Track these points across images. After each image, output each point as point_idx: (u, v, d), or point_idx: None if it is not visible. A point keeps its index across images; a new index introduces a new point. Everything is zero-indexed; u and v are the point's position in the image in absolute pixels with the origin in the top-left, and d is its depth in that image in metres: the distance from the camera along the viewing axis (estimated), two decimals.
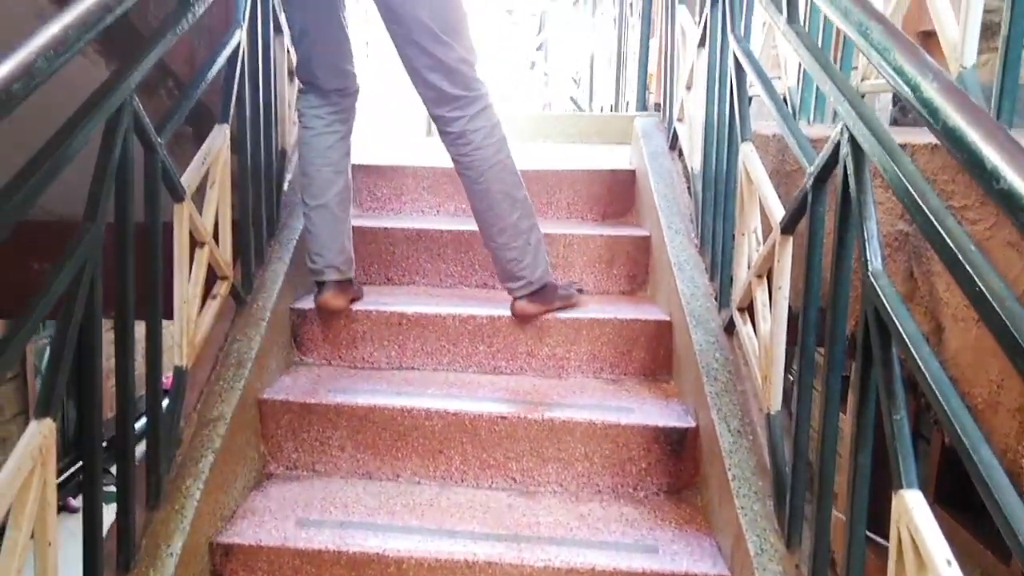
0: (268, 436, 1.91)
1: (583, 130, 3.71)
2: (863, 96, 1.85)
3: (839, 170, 1.21)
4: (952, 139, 0.84)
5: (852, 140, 1.16)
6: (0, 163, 1.25)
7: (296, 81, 2.20)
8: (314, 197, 2.08)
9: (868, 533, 1.17)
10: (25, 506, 1.07)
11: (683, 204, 2.34)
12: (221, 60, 1.82)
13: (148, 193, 1.49)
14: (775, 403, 1.53)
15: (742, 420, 1.67)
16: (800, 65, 2.18)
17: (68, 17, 1.13)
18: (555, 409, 1.88)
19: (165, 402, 1.60)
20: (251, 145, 2.02)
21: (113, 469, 1.40)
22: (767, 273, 1.61)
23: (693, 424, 1.82)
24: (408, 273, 2.42)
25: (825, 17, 2.00)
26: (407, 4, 1.89)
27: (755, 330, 1.66)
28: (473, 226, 2.14)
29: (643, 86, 4.37)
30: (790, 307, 1.50)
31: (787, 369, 1.55)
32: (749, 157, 1.75)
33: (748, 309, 1.73)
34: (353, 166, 2.20)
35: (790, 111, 2.11)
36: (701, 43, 2.21)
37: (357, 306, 2.14)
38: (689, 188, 2.35)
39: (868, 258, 1.11)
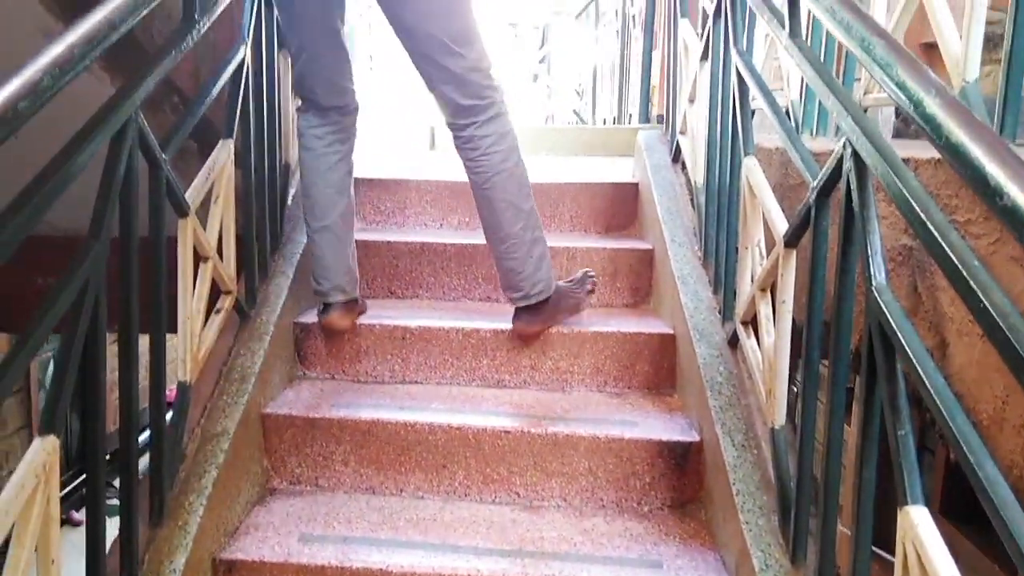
0: (271, 451, 1.91)
1: (586, 143, 3.72)
2: (866, 110, 1.85)
3: (842, 184, 1.21)
4: (955, 155, 0.84)
5: (855, 155, 1.16)
6: (6, 179, 1.25)
7: (296, 93, 2.21)
8: (317, 218, 2.07)
9: (874, 548, 1.16)
10: (28, 523, 1.07)
11: (686, 217, 2.34)
12: (225, 76, 1.82)
13: (152, 208, 1.49)
14: (779, 417, 1.52)
15: (746, 434, 1.66)
16: (802, 79, 2.18)
17: (73, 36, 1.13)
18: (559, 423, 1.87)
19: (169, 414, 1.60)
20: (255, 160, 2.03)
21: (116, 482, 1.40)
22: (771, 287, 1.61)
23: (697, 438, 1.81)
24: (411, 287, 2.43)
25: (827, 30, 2.00)
26: (419, 18, 1.89)
27: (759, 344, 1.66)
28: (477, 239, 2.14)
29: (646, 99, 4.39)
30: (794, 321, 1.50)
31: (791, 382, 1.55)
32: (752, 171, 1.75)
33: (752, 322, 1.73)
34: (356, 179, 2.20)
35: (793, 125, 2.11)
36: (704, 56, 2.22)
37: (361, 320, 2.14)
38: (692, 201, 2.36)
39: (872, 272, 1.11)
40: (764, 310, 1.63)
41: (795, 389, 1.55)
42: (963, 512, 2.76)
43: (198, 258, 1.72)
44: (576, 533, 1.71)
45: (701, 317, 1.98)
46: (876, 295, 1.08)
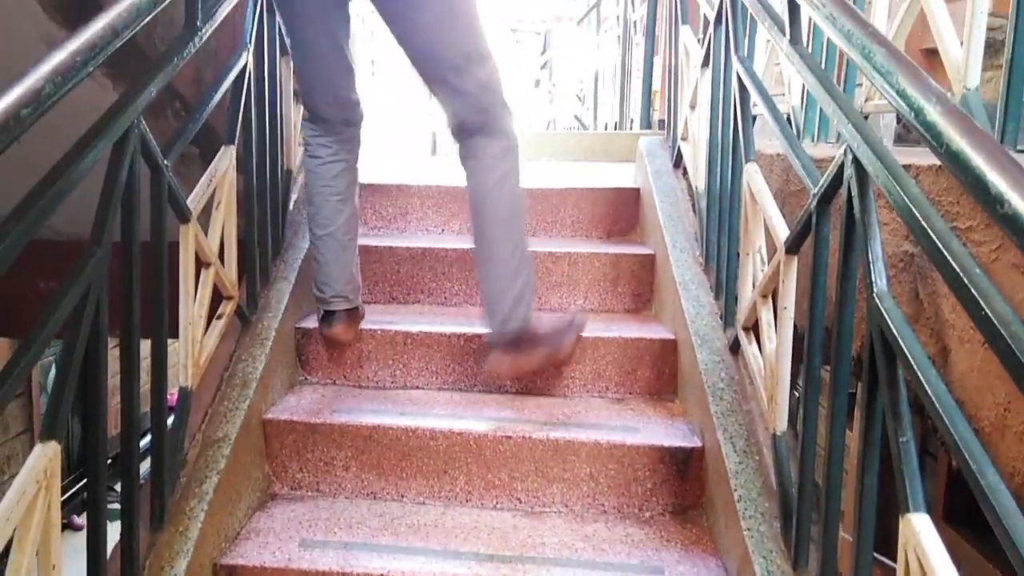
0: (272, 456, 1.91)
1: (587, 148, 3.73)
2: (867, 116, 1.85)
3: (843, 191, 1.21)
4: (956, 163, 0.84)
5: (856, 162, 1.16)
6: (9, 185, 1.26)
7: (302, 104, 2.21)
8: (321, 226, 2.07)
9: (876, 555, 1.16)
10: (30, 529, 1.07)
11: (688, 223, 2.34)
12: (227, 82, 1.83)
13: (154, 214, 1.50)
14: (781, 423, 1.52)
15: (748, 440, 1.66)
16: (803, 85, 2.18)
17: (75, 43, 1.14)
18: (560, 429, 1.87)
19: (170, 420, 1.61)
20: (257, 166, 2.03)
21: (117, 487, 1.41)
22: (772, 293, 1.61)
23: (699, 444, 1.81)
24: (413, 292, 2.43)
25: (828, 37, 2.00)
26: (430, 41, 1.87)
27: (760, 349, 1.66)
28: None
29: (647, 104, 4.39)
30: (795, 326, 1.50)
31: (792, 388, 1.55)
32: (753, 177, 1.75)
33: (753, 328, 1.73)
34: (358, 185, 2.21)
35: (794, 131, 2.11)
36: (705, 63, 2.22)
37: (362, 325, 2.14)
38: (694, 206, 2.36)
39: (873, 279, 1.11)
40: (765, 316, 1.63)
41: (796, 395, 1.55)
42: (966, 516, 2.75)
43: (200, 263, 1.73)
44: (577, 539, 1.71)
45: (702, 323, 1.98)
46: (877, 301, 1.08)
